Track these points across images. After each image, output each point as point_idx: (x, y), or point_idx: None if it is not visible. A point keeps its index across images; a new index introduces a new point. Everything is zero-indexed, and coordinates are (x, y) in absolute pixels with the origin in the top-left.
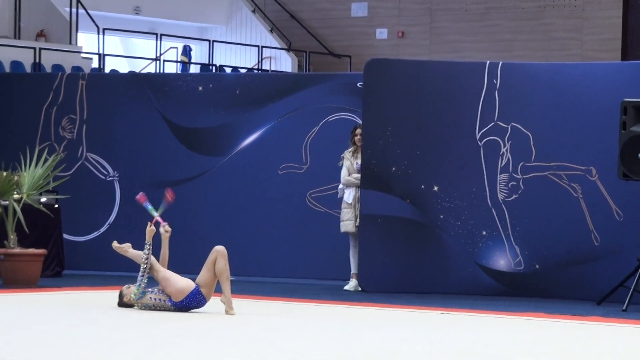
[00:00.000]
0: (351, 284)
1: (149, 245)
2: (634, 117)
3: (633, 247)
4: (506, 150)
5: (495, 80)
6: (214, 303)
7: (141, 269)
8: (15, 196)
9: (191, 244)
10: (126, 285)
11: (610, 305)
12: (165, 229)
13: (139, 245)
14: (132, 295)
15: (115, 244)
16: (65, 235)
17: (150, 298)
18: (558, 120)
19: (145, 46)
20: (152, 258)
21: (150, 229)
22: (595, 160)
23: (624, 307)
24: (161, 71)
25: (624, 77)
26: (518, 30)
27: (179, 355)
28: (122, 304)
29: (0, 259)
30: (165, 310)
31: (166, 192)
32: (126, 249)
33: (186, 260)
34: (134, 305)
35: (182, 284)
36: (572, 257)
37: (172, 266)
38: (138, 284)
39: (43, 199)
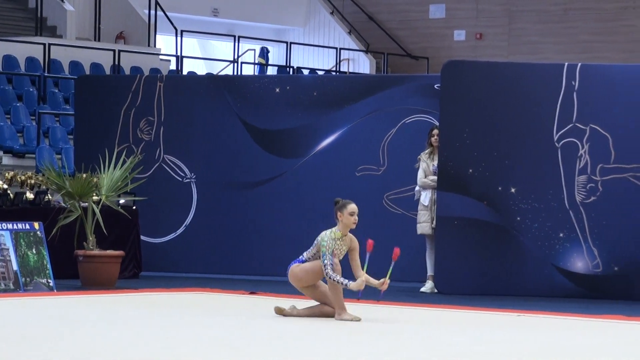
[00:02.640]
0: (427, 286)
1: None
2: None
3: None
4: (584, 152)
5: (573, 82)
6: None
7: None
8: (94, 198)
9: (269, 245)
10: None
11: None
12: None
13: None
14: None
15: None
16: (142, 237)
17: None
18: (637, 121)
19: (223, 48)
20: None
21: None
22: None
23: None
24: (238, 73)
25: None
26: (598, 31)
27: (265, 356)
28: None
29: (79, 260)
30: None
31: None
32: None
33: (265, 262)
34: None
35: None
36: None
37: (250, 268)
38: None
39: (121, 201)
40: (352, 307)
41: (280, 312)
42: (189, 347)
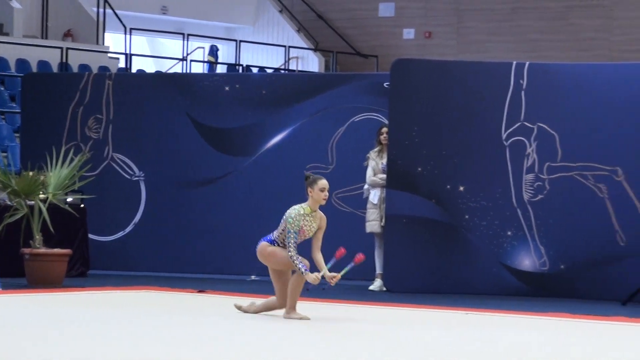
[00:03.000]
0: (376, 284)
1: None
2: None
3: None
4: (532, 150)
5: (521, 81)
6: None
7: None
8: (41, 196)
9: (217, 243)
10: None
11: (635, 305)
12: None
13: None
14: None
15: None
16: (90, 235)
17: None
18: (584, 120)
19: (172, 46)
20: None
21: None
22: (621, 160)
23: None
24: (188, 71)
25: None
26: (545, 30)
27: (208, 356)
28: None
29: (25, 259)
30: None
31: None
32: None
33: (213, 261)
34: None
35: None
36: (597, 258)
37: (199, 266)
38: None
39: (69, 199)
40: (301, 306)
41: (239, 308)
42: (134, 345)
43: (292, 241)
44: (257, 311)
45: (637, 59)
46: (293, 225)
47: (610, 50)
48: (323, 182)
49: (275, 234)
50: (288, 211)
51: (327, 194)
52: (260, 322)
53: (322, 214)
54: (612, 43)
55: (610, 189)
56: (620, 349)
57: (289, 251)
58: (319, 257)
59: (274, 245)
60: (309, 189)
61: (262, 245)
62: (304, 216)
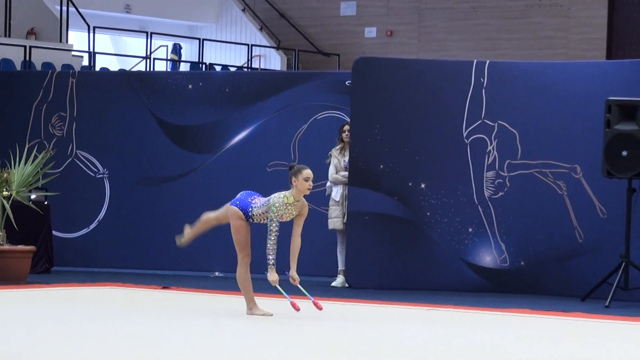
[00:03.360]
0: (338, 280)
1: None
2: (618, 116)
3: (616, 243)
4: (492, 148)
5: (482, 79)
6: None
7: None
8: (5, 193)
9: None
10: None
11: (594, 301)
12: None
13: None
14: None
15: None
16: (54, 232)
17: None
18: (544, 118)
19: (136, 44)
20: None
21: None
22: (579, 158)
23: (607, 304)
24: (151, 69)
25: (608, 75)
26: (504, 29)
27: (163, 353)
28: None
29: None
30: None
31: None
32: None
33: (177, 257)
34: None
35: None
36: (557, 254)
37: (163, 263)
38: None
39: (32, 196)
40: (264, 302)
41: (182, 240)
42: (99, 342)
43: (274, 230)
44: (196, 232)
45: (594, 57)
46: (276, 214)
47: (568, 48)
48: (307, 172)
49: (255, 211)
50: (273, 198)
51: (312, 183)
52: (222, 318)
53: (305, 202)
54: (570, 42)
55: (569, 186)
56: (578, 345)
57: (269, 240)
58: (297, 243)
59: (247, 218)
60: (293, 179)
61: (237, 212)
62: (287, 205)
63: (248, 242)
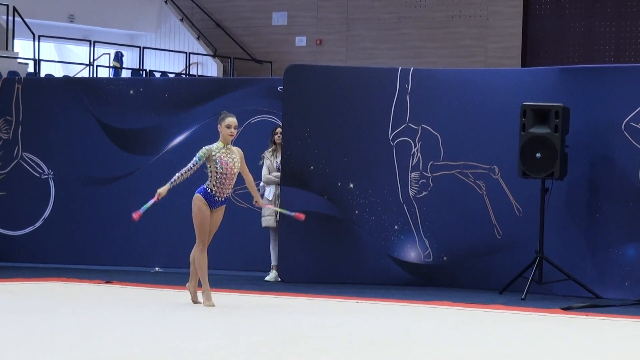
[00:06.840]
0: (271, 275)
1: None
2: (532, 120)
3: (531, 240)
4: (417, 150)
5: (406, 85)
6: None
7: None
8: None
9: (123, 237)
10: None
11: (510, 294)
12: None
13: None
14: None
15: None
16: (0, 230)
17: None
18: (464, 122)
19: (79, 52)
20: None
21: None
22: (497, 159)
23: (523, 296)
24: (94, 76)
25: (523, 82)
26: (428, 38)
27: (110, 343)
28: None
29: None
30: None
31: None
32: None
33: (119, 253)
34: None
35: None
36: (477, 250)
37: (106, 258)
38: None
39: None
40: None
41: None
42: (40, 333)
43: (191, 164)
44: (195, 274)
45: (510, 65)
46: (201, 152)
47: (487, 57)
48: (229, 120)
49: (209, 184)
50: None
51: (234, 131)
52: (165, 310)
53: (238, 148)
54: (488, 50)
55: (488, 186)
56: (496, 335)
57: (175, 177)
58: (249, 179)
59: (211, 198)
60: (218, 126)
61: (197, 197)
62: (218, 150)
63: (205, 227)
